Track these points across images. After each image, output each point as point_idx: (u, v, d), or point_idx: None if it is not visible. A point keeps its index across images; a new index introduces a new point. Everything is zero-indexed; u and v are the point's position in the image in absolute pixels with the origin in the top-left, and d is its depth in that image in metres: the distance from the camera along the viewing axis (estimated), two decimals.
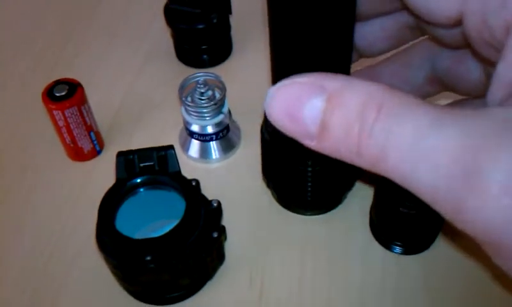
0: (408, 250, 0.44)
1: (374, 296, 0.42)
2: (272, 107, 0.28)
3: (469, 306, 0.41)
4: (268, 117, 0.28)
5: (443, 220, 0.43)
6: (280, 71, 0.39)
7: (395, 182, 0.26)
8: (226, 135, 0.51)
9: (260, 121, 0.53)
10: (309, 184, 0.43)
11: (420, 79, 0.41)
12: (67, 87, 0.48)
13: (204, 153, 0.51)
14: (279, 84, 0.28)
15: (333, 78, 0.27)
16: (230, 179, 0.50)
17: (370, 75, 0.42)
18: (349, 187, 0.46)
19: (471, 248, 0.44)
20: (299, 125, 0.28)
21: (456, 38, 0.35)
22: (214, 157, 0.51)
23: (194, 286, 0.42)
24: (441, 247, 0.45)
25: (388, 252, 0.45)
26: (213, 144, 0.51)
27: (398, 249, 0.44)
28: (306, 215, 0.47)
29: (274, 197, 0.48)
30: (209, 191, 0.44)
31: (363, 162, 0.27)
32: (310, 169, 0.42)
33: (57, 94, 0.47)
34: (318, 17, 0.33)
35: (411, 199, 0.39)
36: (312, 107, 0.27)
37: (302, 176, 0.42)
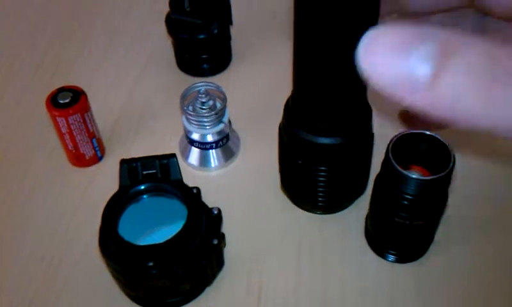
0: (402, 258, 0.45)
1: (368, 303, 0.43)
2: (371, 53, 0.23)
3: None
4: (362, 65, 0.23)
5: (436, 230, 0.45)
6: (302, 72, 0.40)
7: None
8: (225, 144, 0.52)
9: (259, 129, 0.54)
10: (321, 184, 0.45)
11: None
12: (71, 94, 0.49)
13: (204, 161, 0.52)
14: (378, 29, 0.23)
15: (452, 33, 0.23)
16: (230, 187, 0.52)
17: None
18: (358, 194, 0.48)
19: (464, 258, 0.46)
20: (405, 72, 0.23)
21: None
22: (213, 165, 0.53)
23: (193, 291, 0.44)
24: (434, 256, 0.46)
25: (381, 259, 0.46)
26: (213, 153, 0.52)
27: (392, 257, 0.46)
28: (316, 213, 0.49)
29: (287, 195, 0.50)
30: (209, 198, 0.45)
31: (492, 112, 0.22)
32: (324, 169, 0.43)
33: (61, 102, 0.48)
34: (344, 18, 0.34)
35: (405, 210, 0.40)
36: (423, 51, 0.23)
37: (315, 176, 0.44)
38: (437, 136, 0.40)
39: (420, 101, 0.23)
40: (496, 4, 0.36)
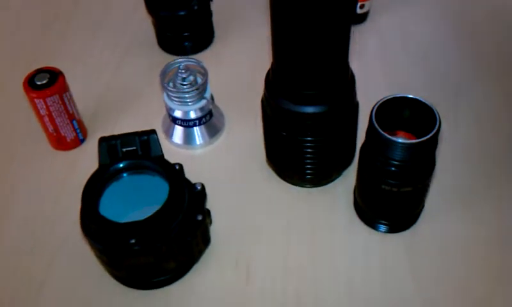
0: (392, 228, 0.45)
1: (360, 274, 0.42)
2: None
3: (452, 282, 0.42)
4: None
5: (425, 198, 0.44)
6: (280, 49, 0.39)
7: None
8: (209, 121, 0.51)
9: (244, 104, 0.53)
10: (308, 155, 0.44)
11: None
12: (48, 75, 0.48)
13: (188, 139, 0.51)
14: None
15: None
16: (215, 164, 0.51)
17: None
18: (345, 165, 0.47)
19: (453, 226, 0.45)
20: None
21: None
22: (198, 142, 0.51)
23: (180, 270, 0.43)
24: (425, 224, 0.45)
25: (372, 231, 0.45)
26: (197, 130, 0.51)
27: (382, 228, 0.45)
28: (304, 186, 0.48)
29: (273, 170, 0.49)
30: (194, 176, 0.44)
31: None
32: (309, 139, 0.42)
33: (39, 83, 0.47)
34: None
35: (392, 177, 0.39)
36: None
37: (301, 148, 0.43)
38: (421, 99, 0.39)
39: None
40: None
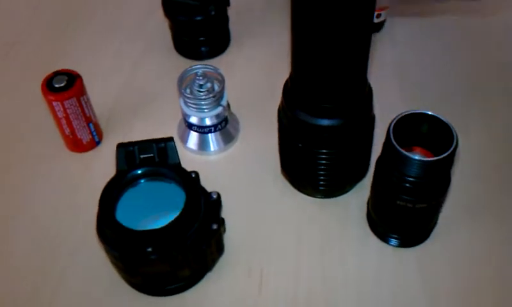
0: (404, 243, 0.45)
1: (371, 287, 0.43)
2: None
3: (463, 298, 0.42)
4: None
5: (438, 214, 0.44)
6: (300, 62, 0.40)
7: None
8: (224, 128, 0.52)
9: (259, 112, 0.53)
10: (322, 167, 0.44)
11: None
12: (66, 78, 0.48)
13: (203, 145, 0.52)
14: None
15: None
16: (229, 171, 0.51)
17: None
18: (360, 177, 0.48)
19: (466, 242, 0.45)
20: None
21: None
22: (212, 149, 0.52)
23: (193, 277, 0.43)
24: (437, 239, 0.45)
25: (384, 244, 0.45)
26: (211, 136, 0.51)
27: (394, 242, 0.45)
28: (317, 197, 0.48)
29: (287, 179, 0.49)
30: (208, 183, 0.44)
31: None
32: (325, 151, 0.43)
33: (57, 86, 0.48)
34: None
35: (408, 193, 0.39)
36: None
37: (316, 159, 0.44)
38: (439, 116, 0.39)
39: None
40: None
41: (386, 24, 0.64)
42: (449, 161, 0.38)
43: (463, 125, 0.51)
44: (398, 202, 0.41)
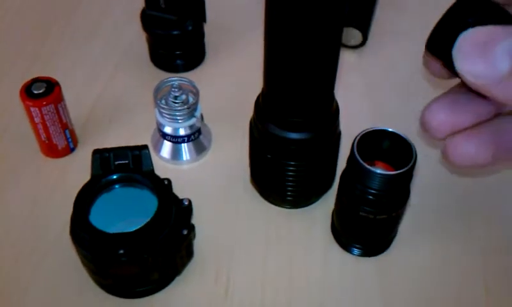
0: (366, 252, 0.47)
1: (333, 295, 0.45)
2: (464, 48, 0.30)
3: (420, 304, 0.44)
4: (457, 59, 0.31)
5: (398, 225, 0.46)
6: (271, 79, 0.42)
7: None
8: (197, 138, 0.53)
9: (231, 124, 0.55)
10: (290, 178, 0.46)
11: None
12: (45, 85, 0.49)
13: (175, 155, 0.53)
14: (470, 30, 0.31)
15: None
16: (201, 180, 0.53)
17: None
18: (325, 189, 0.50)
19: (427, 250, 0.47)
20: (490, 63, 0.30)
21: None
22: (185, 158, 0.53)
23: (163, 280, 0.44)
24: (397, 249, 0.48)
25: (347, 253, 0.47)
26: (184, 146, 0.53)
27: (356, 251, 0.47)
28: (284, 207, 0.50)
29: (256, 189, 0.51)
30: (180, 190, 0.46)
31: None
32: (292, 163, 0.45)
33: (35, 92, 0.49)
34: (311, 19, 0.36)
35: (369, 204, 0.42)
36: (505, 46, 0.29)
37: (284, 170, 0.46)
38: (399, 133, 0.42)
39: (500, 92, 0.30)
40: None
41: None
42: (408, 175, 0.41)
43: (422, 140, 0.54)
44: (360, 213, 0.43)
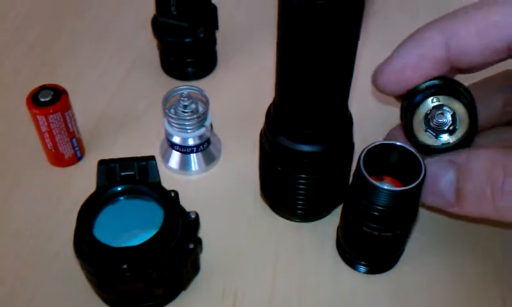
0: (372, 270, 0.45)
1: None
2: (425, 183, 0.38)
3: None
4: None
5: (405, 241, 0.45)
6: (283, 90, 0.41)
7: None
8: (207, 148, 0.52)
9: (241, 134, 0.54)
10: (300, 191, 0.45)
11: (499, 102, 0.43)
12: (52, 93, 0.48)
13: (184, 165, 0.52)
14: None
15: (458, 153, 0.37)
16: (209, 191, 0.51)
17: None
18: (337, 203, 0.48)
19: (435, 268, 0.46)
20: (440, 197, 0.38)
21: None
22: (193, 168, 0.52)
23: (168, 296, 0.43)
24: (404, 267, 0.46)
25: (353, 271, 0.46)
26: (193, 157, 0.52)
27: (362, 269, 0.45)
28: (294, 221, 0.49)
29: (266, 202, 0.50)
30: (187, 202, 0.45)
31: (501, 215, 0.35)
32: (304, 176, 0.44)
33: (42, 100, 0.48)
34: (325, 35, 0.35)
35: (374, 221, 0.40)
36: (446, 181, 0.37)
37: (295, 183, 0.44)
38: (408, 147, 0.40)
39: (459, 212, 0.39)
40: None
41: None
42: (416, 192, 0.39)
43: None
44: (364, 229, 0.41)
